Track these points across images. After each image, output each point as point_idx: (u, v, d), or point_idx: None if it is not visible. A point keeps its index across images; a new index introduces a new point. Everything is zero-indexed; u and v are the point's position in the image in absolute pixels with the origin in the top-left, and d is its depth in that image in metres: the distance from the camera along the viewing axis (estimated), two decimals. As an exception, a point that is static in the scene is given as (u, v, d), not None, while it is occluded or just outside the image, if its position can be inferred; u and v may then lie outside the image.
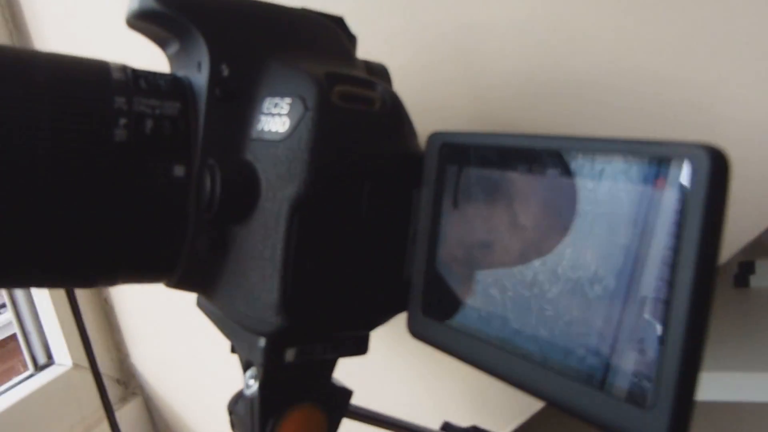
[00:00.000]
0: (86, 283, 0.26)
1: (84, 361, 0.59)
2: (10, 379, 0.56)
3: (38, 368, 0.59)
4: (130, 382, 0.62)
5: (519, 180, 0.21)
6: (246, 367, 0.29)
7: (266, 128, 0.24)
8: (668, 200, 0.16)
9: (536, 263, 0.20)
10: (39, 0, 0.53)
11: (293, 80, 0.24)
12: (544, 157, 0.19)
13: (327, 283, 0.24)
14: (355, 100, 0.24)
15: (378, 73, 0.32)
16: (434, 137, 0.24)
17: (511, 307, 0.21)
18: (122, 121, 0.23)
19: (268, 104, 0.24)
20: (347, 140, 0.24)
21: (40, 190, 0.21)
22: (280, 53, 0.26)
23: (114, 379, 0.61)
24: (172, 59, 0.28)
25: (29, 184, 0.21)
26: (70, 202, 0.22)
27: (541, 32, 0.36)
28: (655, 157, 0.16)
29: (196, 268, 0.25)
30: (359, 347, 0.28)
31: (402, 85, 0.38)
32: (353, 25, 0.30)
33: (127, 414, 0.61)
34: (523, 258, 0.21)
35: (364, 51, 0.31)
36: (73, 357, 0.58)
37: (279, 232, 0.23)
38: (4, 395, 0.55)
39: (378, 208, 0.25)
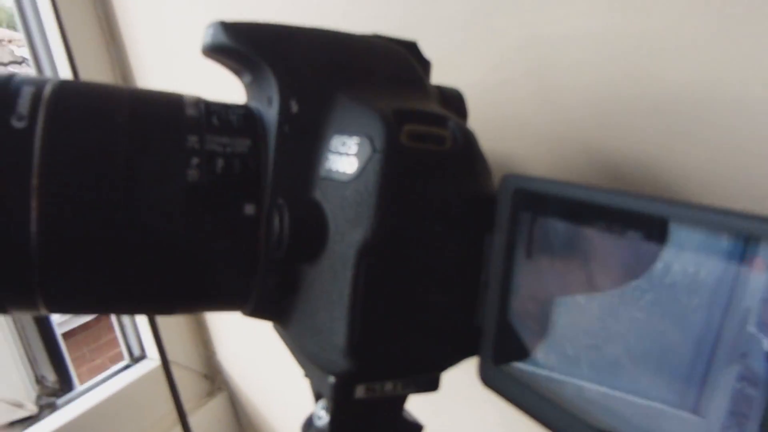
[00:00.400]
0: (166, 312, 0.26)
1: (175, 357, 0.63)
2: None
3: (134, 359, 0.63)
4: (216, 377, 0.65)
5: (597, 237, 0.19)
6: (317, 397, 0.29)
7: (334, 167, 0.24)
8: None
9: (611, 323, 0.19)
10: (132, 11, 0.56)
11: (361, 118, 0.24)
12: (627, 218, 0.18)
13: (395, 327, 0.24)
14: (425, 139, 0.23)
15: (452, 99, 0.30)
16: (508, 181, 0.23)
17: (583, 364, 0.20)
18: (194, 160, 0.23)
19: (336, 142, 0.24)
20: (416, 183, 0.23)
21: (117, 227, 0.22)
22: (349, 86, 0.25)
23: (201, 375, 0.64)
24: (246, 88, 0.28)
25: (108, 221, 0.22)
26: (144, 239, 0.23)
27: (624, 43, 0.33)
28: (754, 236, 0.14)
29: (267, 303, 0.26)
30: (431, 384, 0.27)
31: (473, 104, 0.37)
32: (422, 42, 0.29)
33: (213, 407, 0.63)
34: (598, 318, 0.19)
35: (434, 69, 0.30)
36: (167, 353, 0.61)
37: (346, 276, 0.23)
38: (102, 385, 0.59)
39: (448, 252, 0.24)
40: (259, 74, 0.25)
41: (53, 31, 0.53)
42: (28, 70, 0.60)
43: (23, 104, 0.22)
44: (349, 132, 0.24)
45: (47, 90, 0.23)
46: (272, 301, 0.25)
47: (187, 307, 0.26)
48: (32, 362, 0.56)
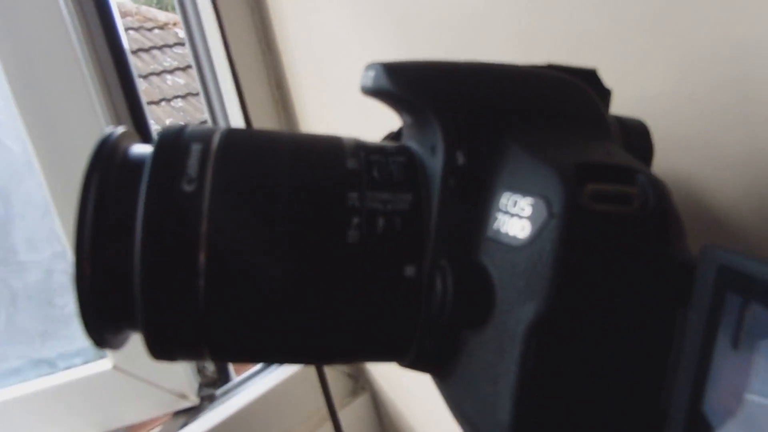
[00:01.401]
0: (327, 363, 0.26)
1: (320, 356, 0.64)
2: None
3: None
4: (360, 377, 0.66)
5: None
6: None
7: (503, 230, 0.22)
8: None
9: None
10: (288, 19, 0.57)
11: (536, 174, 0.21)
12: None
13: (567, 407, 0.21)
14: (610, 200, 0.20)
15: (635, 134, 0.27)
16: (710, 254, 0.20)
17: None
18: (355, 220, 0.22)
19: (506, 200, 0.22)
20: (599, 252, 0.20)
21: (280, 289, 0.22)
22: (521, 132, 0.23)
23: (345, 374, 0.66)
24: (406, 128, 0.27)
25: (271, 282, 0.22)
26: (304, 301, 0.22)
27: None
28: None
29: (424, 363, 0.24)
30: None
31: (657, 118, 0.32)
32: (593, 50, 0.26)
33: (356, 407, 0.65)
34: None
35: (613, 81, 0.26)
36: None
37: (514, 352, 0.21)
38: (256, 378, 0.62)
39: (633, 329, 0.21)
40: (423, 120, 0.24)
41: (213, 30, 0.56)
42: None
43: (192, 165, 0.22)
44: (523, 190, 0.21)
45: (214, 146, 0.23)
46: (429, 362, 0.24)
47: (344, 360, 0.25)
48: (195, 354, 0.61)
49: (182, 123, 0.25)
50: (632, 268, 0.20)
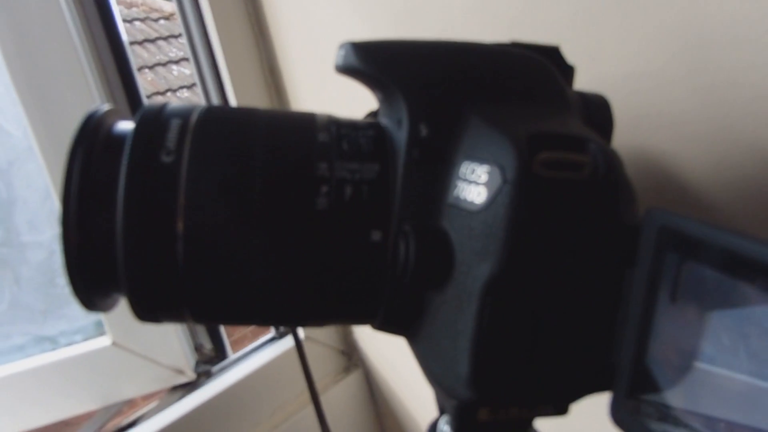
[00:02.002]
0: (298, 325, 0.28)
1: (314, 334, 0.66)
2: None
3: (280, 334, 0.68)
4: (353, 354, 0.68)
5: (756, 296, 0.17)
6: (441, 410, 0.29)
7: (462, 195, 0.23)
8: None
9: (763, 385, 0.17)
10: (280, 3, 0.58)
11: (492, 144, 0.23)
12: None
13: (521, 361, 0.23)
14: (562, 167, 0.22)
15: (596, 108, 0.28)
16: (652, 216, 0.21)
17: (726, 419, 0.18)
18: (324, 188, 0.24)
19: (465, 169, 0.23)
20: (549, 216, 0.21)
21: (252, 254, 0.23)
22: (482, 106, 0.24)
23: (338, 351, 0.67)
24: (380, 104, 0.28)
25: (244, 248, 0.23)
26: (275, 264, 0.24)
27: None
28: None
29: (393, 323, 0.26)
30: (558, 408, 0.26)
31: (624, 96, 0.33)
32: (560, 29, 0.27)
33: (349, 384, 0.66)
34: (749, 382, 0.17)
35: (587, 55, 0.27)
36: (305, 330, 0.65)
37: (471, 309, 0.22)
38: (251, 356, 0.64)
39: (581, 288, 0.22)
40: (390, 95, 0.25)
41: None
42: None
43: (171, 139, 0.23)
44: (480, 159, 0.23)
45: (192, 121, 0.24)
46: (398, 322, 0.26)
47: (317, 322, 0.27)
48: (192, 332, 0.63)
49: (163, 101, 0.27)
50: (582, 230, 0.22)
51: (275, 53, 0.60)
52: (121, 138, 0.24)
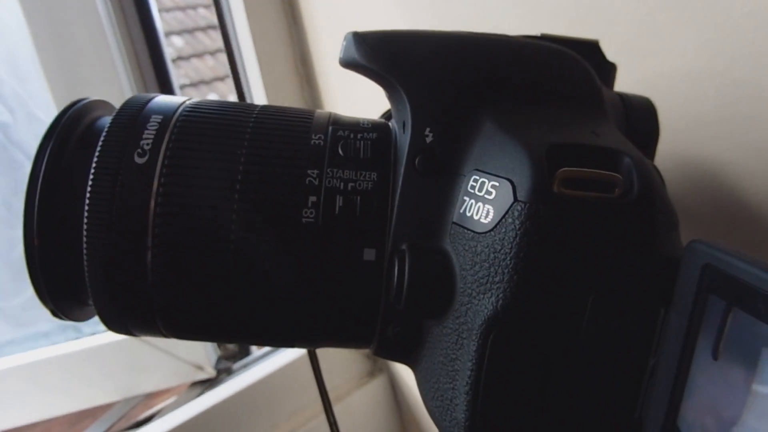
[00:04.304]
0: (286, 346, 0.25)
1: (339, 335, 0.64)
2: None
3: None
4: (378, 359, 0.65)
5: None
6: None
7: (468, 213, 0.20)
8: None
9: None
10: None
11: (504, 154, 0.19)
12: None
13: (526, 412, 0.19)
14: (587, 186, 0.18)
15: (639, 113, 0.24)
16: (695, 250, 0.17)
17: None
18: (312, 199, 0.21)
19: (474, 182, 0.20)
20: (568, 243, 0.18)
21: (229, 268, 0.21)
22: (500, 109, 0.21)
23: (364, 354, 0.65)
24: (390, 101, 0.25)
25: (220, 262, 0.21)
26: (256, 280, 0.21)
27: None
28: None
29: (389, 350, 0.23)
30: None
31: (671, 98, 0.29)
32: (600, 22, 0.23)
33: (373, 388, 0.64)
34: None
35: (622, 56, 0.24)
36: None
37: (470, 347, 0.19)
38: (275, 354, 0.62)
39: (605, 329, 0.19)
40: (395, 93, 0.22)
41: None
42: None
43: (148, 137, 0.21)
44: (490, 170, 0.19)
45: (175, 118, 0.22)
46: (394, 350, 0.23)
47: (307, 344, 0.24)
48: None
49: (153, 93, 0.24)
50: (608, 261, 0.18)
51: (308, 44, 0.57)
52: (99, 134, 0.22)
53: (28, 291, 0.60)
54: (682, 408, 0.18)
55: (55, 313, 0.23)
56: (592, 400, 0.20)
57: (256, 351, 0.64)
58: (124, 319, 0.22)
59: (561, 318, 0.18)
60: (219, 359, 0.60)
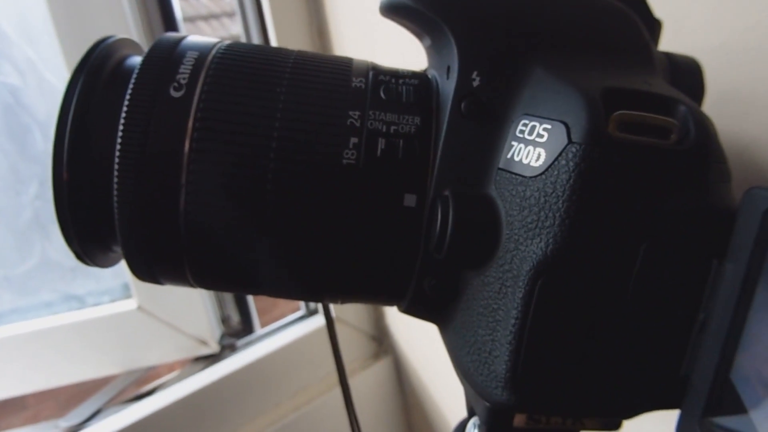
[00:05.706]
0: (314, 300, 0.25)
1: (345, 315, 0.63)
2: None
3: (309, 312, 0.65)
4: (384, 340, 0.65)
5: None
6: (470, 412, 0.25)
7: (517, 158, 0.19)
8: None
9: None
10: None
11: (558, 97, 0.19)
12: None
13: (571, 363, 0.19)
14: (643, 130, 0.18)
15: (685, 72, 0.24)
16: (755, 197, 0.17)
17: None
18: (353, 140, 0.20)
19: (523, 127, 0.19)
20: (622, 187, 0.17)
21: (264, 211, 0.20)
22: (549, 55, 0.20)
23: (369, 336, 0.64)
24: (427, 52, 0.24)
25: (255, 204, 0.20)
26: (291, 224, 0.20)
27: None
28: None
29: (423, 305, 0.22)
30: (609, 423, 0.22)
31: (713, 75, 0.29)
32: None
33: (378, 370, 0.63)
34: None
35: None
36: (336, 311, 0.62)
37: (515, 295, 0.18)
38: (279, 333, 0.61)
39: (656, 280, 0.18)
40: (439, 38, 0.21)
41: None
42: None
43: (184, 72, 0.20)
44: (541, 114, 0.19)
45: (212, 54, 0.21)
46: (428, 305, 0.22)
47: (336, 297, 0.23)
48: (220, 302, 0.60)
49: (184, 33, 0.24)
50: (661, 208, 0.18)
51: (325, 14, 0.57)
52: (130, 71, 0.21)
53: (32, 259, 0.59)
54: (736, 361, 0.17)
55: (79, 256, 0.22)
56: (636, 354, 0.19)
57: (260, 329, 0.63)
58: (151, 263, 0.21)
59: (612, 265, 0.18)
60: (223, 335, 0.60)
